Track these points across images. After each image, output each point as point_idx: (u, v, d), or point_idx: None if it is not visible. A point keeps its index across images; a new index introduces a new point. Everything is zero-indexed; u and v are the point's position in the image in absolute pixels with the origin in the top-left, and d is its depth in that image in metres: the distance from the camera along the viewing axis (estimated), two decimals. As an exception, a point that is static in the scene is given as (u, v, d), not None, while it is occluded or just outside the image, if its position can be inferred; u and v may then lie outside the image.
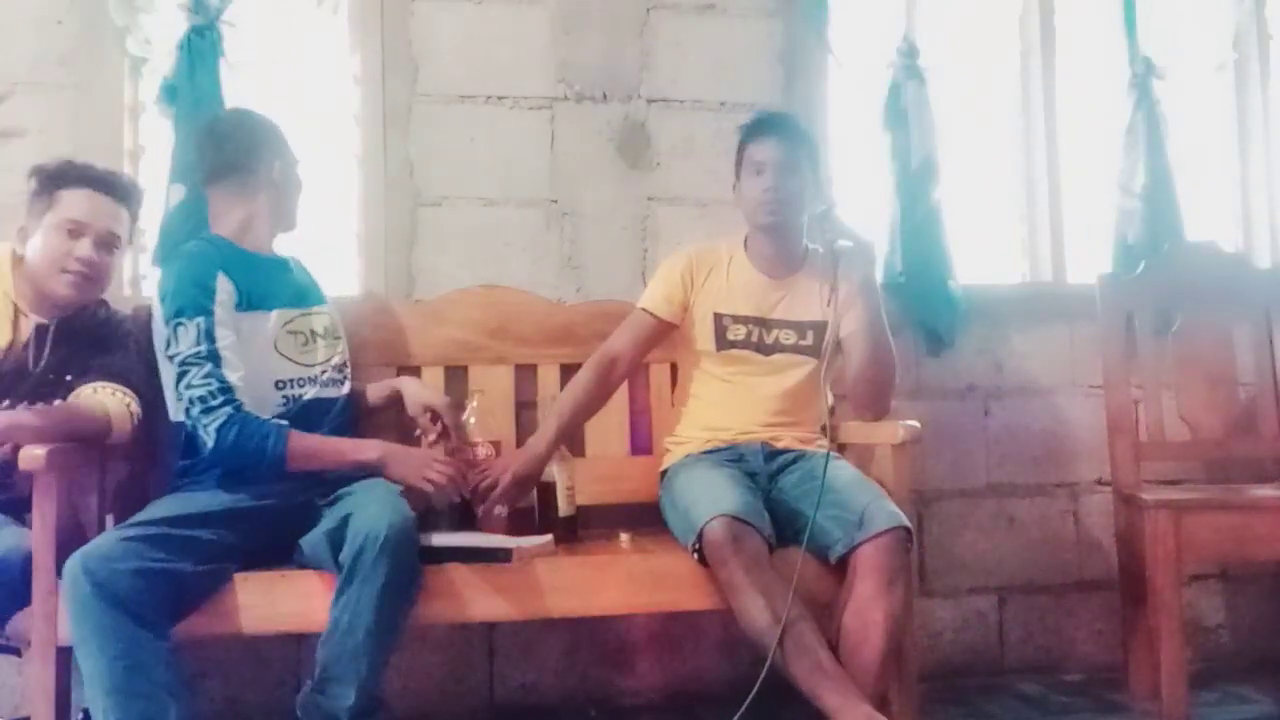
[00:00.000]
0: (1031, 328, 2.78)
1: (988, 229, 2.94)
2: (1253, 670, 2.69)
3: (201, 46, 2.37)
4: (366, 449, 1.94)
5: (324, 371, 2.06)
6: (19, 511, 1.84)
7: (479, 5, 2.57)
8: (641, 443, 2.43)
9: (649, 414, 2.43)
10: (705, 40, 2.66)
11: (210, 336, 1.87)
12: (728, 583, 1.86)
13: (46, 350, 1.95)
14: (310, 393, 2.02)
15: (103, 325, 2.03)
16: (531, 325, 2.42)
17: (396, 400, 2.17)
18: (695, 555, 1.91)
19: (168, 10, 2.43)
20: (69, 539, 1.77)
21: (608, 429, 2.38)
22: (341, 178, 2.57)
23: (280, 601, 1.83)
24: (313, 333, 2.07)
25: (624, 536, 2.15)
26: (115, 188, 2.01)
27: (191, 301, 1.88)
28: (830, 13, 2.70)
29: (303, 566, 1.86)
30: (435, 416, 2.10)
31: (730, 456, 2.16)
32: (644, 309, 2.25)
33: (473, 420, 2.16)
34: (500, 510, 2.06)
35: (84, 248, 1.95)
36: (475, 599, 1.87)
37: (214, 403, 1.83)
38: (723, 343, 2.22)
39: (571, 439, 2.24)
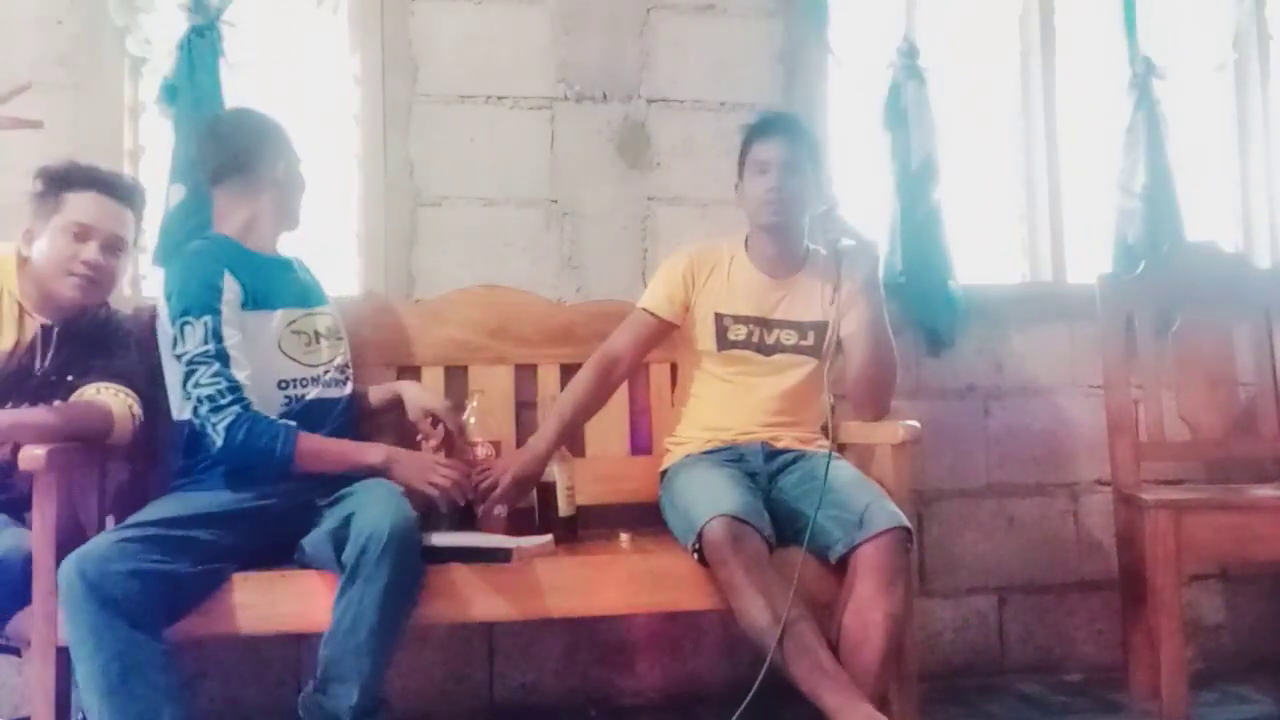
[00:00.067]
0: (1031, 328, 2.78)
1: (988, 229, 2.94)
2: (1253, 670, 2.69)
3: (201, 46, 2.37)
4: (372, 452, 1.94)
5: (327, 372, 2.06)
6: (19, 511, 1.85)
7: (479, 5, 2.57)
8: (641, 443, 2.43)
9: (649, 414, 2.43)
10: (705, 40, 2.66)
11: (217, 335, 1.87)
12: (728, 583, 1.86)
13: (50, 351, 1.96)
14: (313, 393, 2.02)
15: (104, 326, 2.03)
16: (531, 325, 2.42)
17: (397, 403, 2.17)
18: (695, 555, 1.91)
19: (168, 10, 2.43)
20: (69, 539, 1.77)
21: (608, 429, 2.38)
22: (341, 178, 2.57)
23: (280, 601, 1.83)
24: (316, 333, 2.07)
25: (624, 536, 2.15)
26: (121, 190, 2.01)
27: (198, 300, 1.88)
28: (830, 13, 2.70)
29: (304, 566, 1.86)
30: (436, 420, 2.11)
31: (730, 456, 2.16)
32: (645, 309, 2.25)
33: (473, 420, 2.16)
34: (500, 510, 2.06)
35: (90, 251, 1.95)
36: (475, 599, 1.88)
37: (223, 401, 1.84)
38: (724, 343, 2.22)
39: (572, 439, 2.24)
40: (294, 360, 2.01)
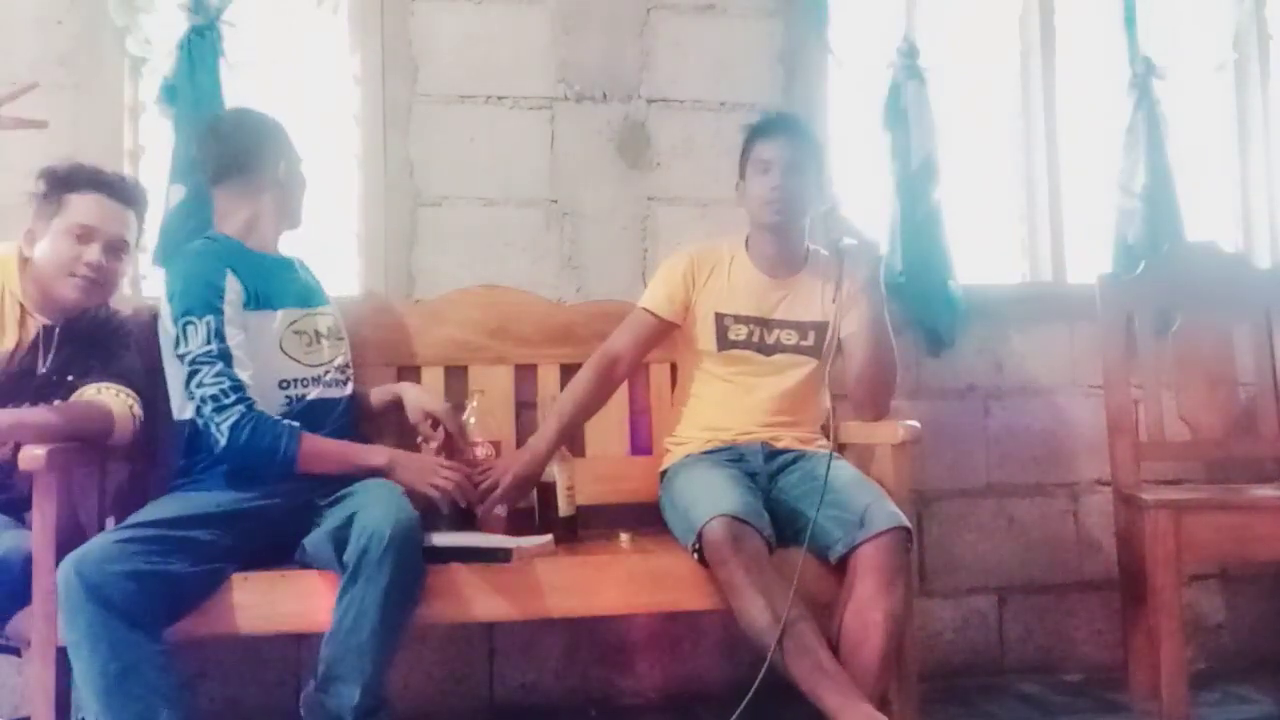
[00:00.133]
0: (1031, 328, 2.78)
1: (988, 229, 2.94)
2: (1253, 670, 2.69)
3: (201, 46, 2.37)
4: (374, 455, 1.94)
5: (327, 372, 2.06)
6: (19, 511, 1.85)
7: (479, 5, 2.57)
8: (641, 443, 2.43)
9: (649, 414, 2.43)
10: (705, 40, 2.66)
11: (220, 335, 1.87)
12: (728, 583, 1.86)
13: (51, 352, 1.96)
14: (314, 393, 2.02)
15: (104, 326, 2.03)
16: (531, 325, 2.42)
17: (397, 405, 2.17)
18: (695, 555, 1.91)
19: (168, 10, 2.43)
20: (69, 539, 1.77)
21: (608, 429, 2.38)
22: (341, 178, 2.57)
23: (280, 601, 1.83)
24: (317, 333, 2.07)
25: (624, 536, 2.15)
26: (124, 192, 2.01)
27: (200, 300, 1.88)
28: (830, 13, 2.70)
29: (304, 566, 1.86)
30: (436, 423, 2.10)
31: (730, 456, 2.16)
32: (645, 309, 2.25)
33: (473, 420, 2.16)
34: (500, 510, 2.06)
35: (93, 253, 1.95)
36: (475, 599, 1.87)
37: (226, 401, 1.84)
38: (724, 343, 2.22)
39: (572, 439, 2.24)
40: (295, 360, 2.01)
